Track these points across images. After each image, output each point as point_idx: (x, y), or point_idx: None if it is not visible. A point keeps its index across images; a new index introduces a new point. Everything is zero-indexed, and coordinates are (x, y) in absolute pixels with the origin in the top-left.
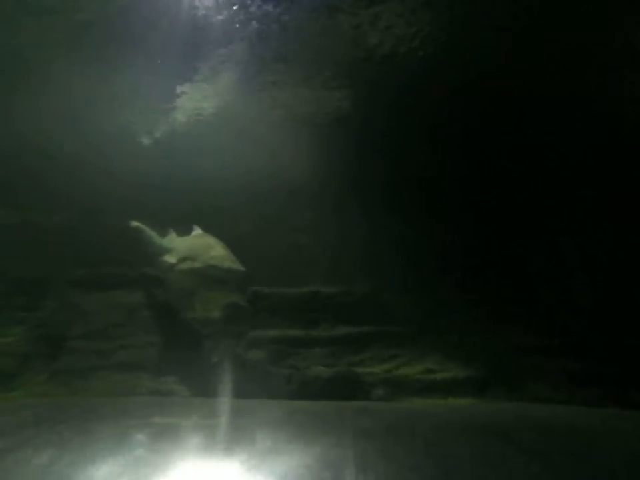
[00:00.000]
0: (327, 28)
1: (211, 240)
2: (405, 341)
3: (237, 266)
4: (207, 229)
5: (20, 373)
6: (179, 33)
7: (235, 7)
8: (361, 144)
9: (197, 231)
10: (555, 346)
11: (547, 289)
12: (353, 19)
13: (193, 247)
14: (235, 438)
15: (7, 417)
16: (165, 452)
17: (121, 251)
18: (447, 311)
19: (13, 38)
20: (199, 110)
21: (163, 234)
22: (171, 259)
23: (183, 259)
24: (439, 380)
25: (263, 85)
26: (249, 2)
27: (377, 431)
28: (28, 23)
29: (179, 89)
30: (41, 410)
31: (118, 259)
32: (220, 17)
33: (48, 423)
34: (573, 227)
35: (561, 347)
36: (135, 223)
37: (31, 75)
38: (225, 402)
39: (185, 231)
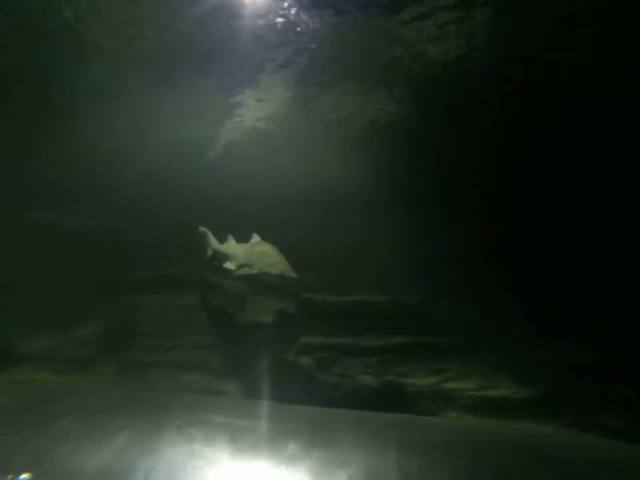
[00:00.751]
0: (376, 36)
1: (267, 247)
2: (454, 352)
3: (289, 273)
4: (261, 236)
5: (95, 361)
6: (235, 52)
7: (285, 21)
8: (409, 150)
9: (256, 238)
10: (625, 367)
11: (609, 299)
12: (402, 25)
13: (250, 254)
14: (278, 440)
15: (87, 401)
16: (218, 447)
17: (182, 255)
18: (498, 322)
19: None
20: (255, 121)
21: (223, 241)
22: (231, 265)
23: (241, 266)
24: (491, 397)
25: (313, 94)
26: (298, 15)
27: (422, 445)
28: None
29: (236, 102)
30: (115, 397)
31: (178, 262)
32: (272, 33)
33: (121, 411)
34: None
35: (630, 368)
36: (202, 229)
37: (104, 98)
38: (272, 406)
39: (244, 238)
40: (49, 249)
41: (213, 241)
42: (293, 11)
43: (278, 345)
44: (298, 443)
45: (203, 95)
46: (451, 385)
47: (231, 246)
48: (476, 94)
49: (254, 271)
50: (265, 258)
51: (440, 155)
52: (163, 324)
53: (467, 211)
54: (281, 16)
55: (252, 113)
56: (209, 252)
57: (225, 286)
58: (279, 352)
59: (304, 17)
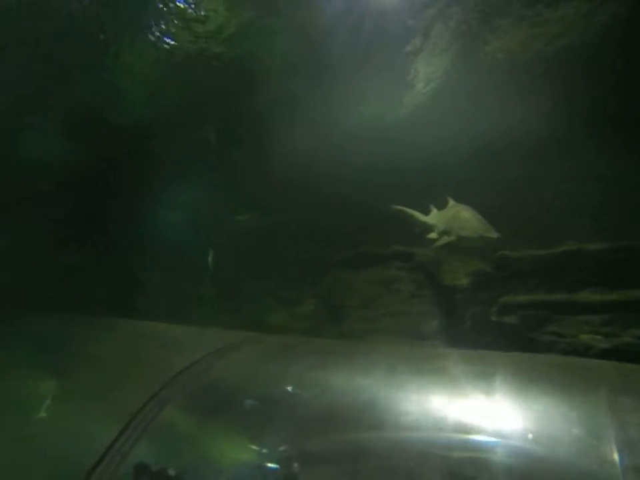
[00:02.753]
0: None
1: (462, 210)
2: None
3: (489, 234)
4: (456, 200)
5: (320, 331)
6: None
7: None
8: (613, 71)
9: (451, 202)
10: None
11: None
12: None
13: (448, 219)
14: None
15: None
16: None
17: (379, 233)
18: None
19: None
20: (429, 80)
21: (426, 212)
22: (433, 235)
23: (442, 233)
24: None
25: (488, 38)
26: None
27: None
28: None
29: (406, 66)
30: (338, 347)
31: (375, 240)
32: None
33: (342, 355)
34: None
35: None
36: (397, 207)
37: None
38: (480, 353)
39: (440, 205)
40: (259, 246)
41: (417, 215)
42: None
43: (479, 307)
44: (504, 384)
45: (373, 72)
46: None
47: (434, 215)
48: None
49: (452, 237)
50: (462, 221)
51: None
52: (367, 296)
53: None
54: None
55: (424, 72)
56: (416, 227)
57: (418, 254)
58: (480, 313)
59: None
